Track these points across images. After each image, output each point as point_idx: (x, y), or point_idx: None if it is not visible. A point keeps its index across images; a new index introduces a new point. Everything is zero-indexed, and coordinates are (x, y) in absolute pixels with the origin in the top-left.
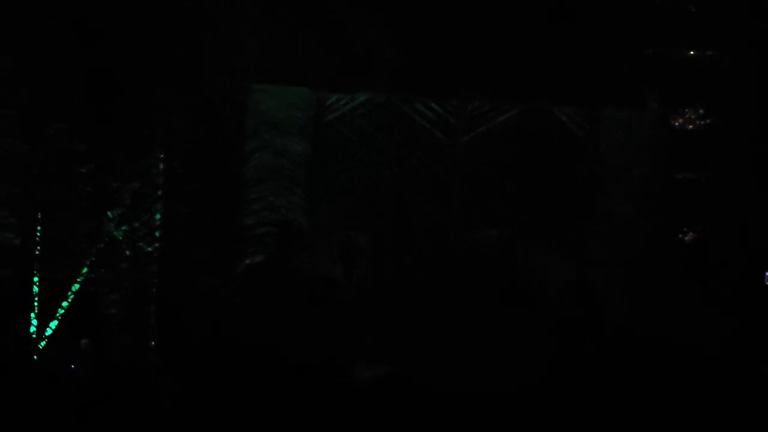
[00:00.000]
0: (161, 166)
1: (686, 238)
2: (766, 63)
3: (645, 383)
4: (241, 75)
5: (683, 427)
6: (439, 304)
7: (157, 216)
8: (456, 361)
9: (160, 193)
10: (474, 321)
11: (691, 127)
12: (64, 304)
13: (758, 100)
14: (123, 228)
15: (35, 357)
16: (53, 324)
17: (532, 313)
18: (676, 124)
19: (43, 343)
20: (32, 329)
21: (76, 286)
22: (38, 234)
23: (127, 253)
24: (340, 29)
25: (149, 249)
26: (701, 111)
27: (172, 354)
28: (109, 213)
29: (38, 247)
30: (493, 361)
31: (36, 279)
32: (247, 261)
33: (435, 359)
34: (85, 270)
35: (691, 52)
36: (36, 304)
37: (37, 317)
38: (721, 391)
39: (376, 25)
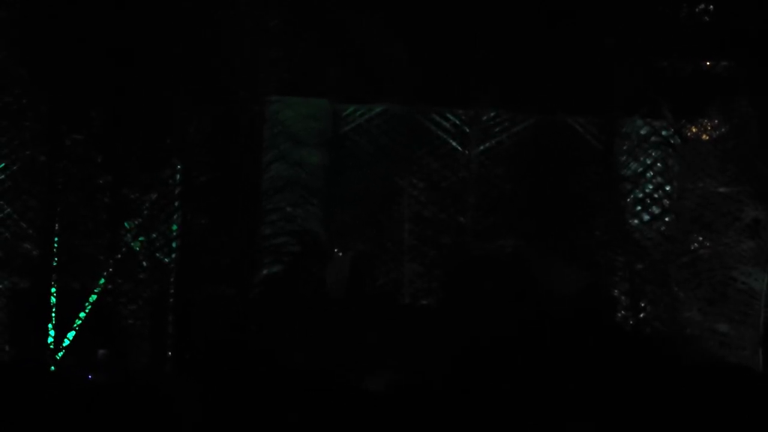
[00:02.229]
0: (179, 177)
1: (699, 248)
2: None
3: (652, 384)
4: (259, 86)
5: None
6: (453, 313)
7: (174, 227)
8: (464, 365)
9: (177, 203)
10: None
11: (705, 137)
12: (82, 314)
13: None
14: (140, 239)
15: (53, 367)
16: (71, 334)
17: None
18: (690, 134)
19: (60, 354)
20: (50, 339)
21: (93, 297)
22: (56, 245)
23: (145, 263)
24: (358, 42)
25: (166, 260)
26: (716, 121)
27: (190, 363)
28: (126, 224)
29: (56, 258)
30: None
31: (53, 290)
32: (265, 271)
33: (445, 365)
34: (102, 281)
35: (707, 63)
36: (53, 314)
37: (54, 328)
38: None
39: (393, 37)
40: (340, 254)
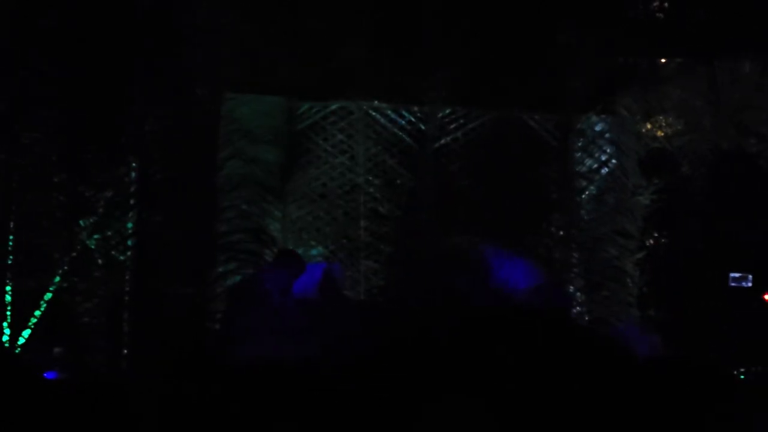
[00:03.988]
0: (134, 174)
1: (654, 243)
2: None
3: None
4: (215, 84)
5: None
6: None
7: (129, 225)
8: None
9: (133, 201)
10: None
11: (661, 134)
12: (37, 312)
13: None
14: (96, 237)
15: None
16: (26, 333)
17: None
18: (645, 130)
19: (16, 352)
20: (5, 338)
21: (48, 295)
22: (11, 243)
23: (100, 261)
24: (313, 39)
25: (122, 257)
26: (671, 117)
27: (146, 360)
28: (81, 222)
29: (11, 256)
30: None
31: (8, 288)
32: (221, 269)
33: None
34: (57, 279)
35: (662, 60)
36: (8, 313)
37: (9, 326)
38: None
39: (349, 34)
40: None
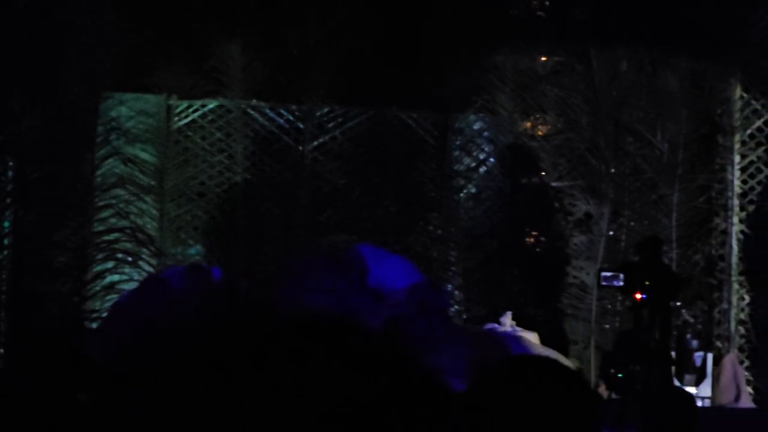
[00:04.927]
0: (11, 173)
1: (533, 243)
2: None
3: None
4: (93, 82)
5: None
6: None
7: (6, 223)
8: None
9: (9, 200)
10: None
11: (540, 131)
12: None
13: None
14: None
15: None
16: None
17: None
18: (524, 128)
19: None
20: None
21: None
22: None
23: None
24: (191, 37)
25: None
26: (551, 116)
27: (22, 359)
28: None
29: None
30: None
31: None
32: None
33: None
34: None
35: (542, 59)
36: None
37: None
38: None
39: (227, 33)
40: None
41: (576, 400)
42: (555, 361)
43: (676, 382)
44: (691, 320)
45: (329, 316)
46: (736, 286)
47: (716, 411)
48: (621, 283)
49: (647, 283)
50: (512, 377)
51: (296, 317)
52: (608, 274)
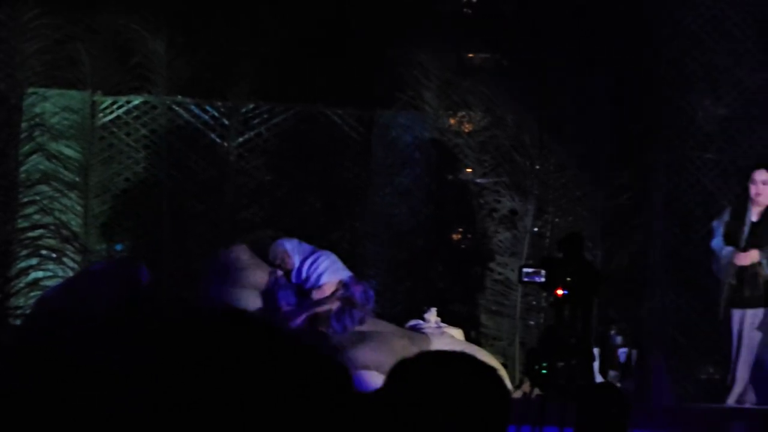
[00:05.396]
0: None
1: (458, 239)
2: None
3: None
4: (16, 78)
5: None
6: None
7: None
8: None
9: None
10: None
11: (466, 128)
12: None
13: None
14: None
15: None
16: None
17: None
18: (449, 125)
19: None
20: None
21: None
22: None
23: None
24: (116, 33)
25: None
26: (477, 112)
27: None
28: None
29: None
30: None
31: None
32: (22, 264)
33: None
34: None
35: (468, 55)
36: None
37: None
38: None
39: (151, 29)
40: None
41: (488, 396)
42: (471, 357)
43: (601, 379)
44: (616, 317)
45: (248, 314)
46: (660, 283)
47: (641, 407)
48: (542, 279)
49: (568, 279)
50: (426, 372)
51: (213, 314)
52: (529, 270)
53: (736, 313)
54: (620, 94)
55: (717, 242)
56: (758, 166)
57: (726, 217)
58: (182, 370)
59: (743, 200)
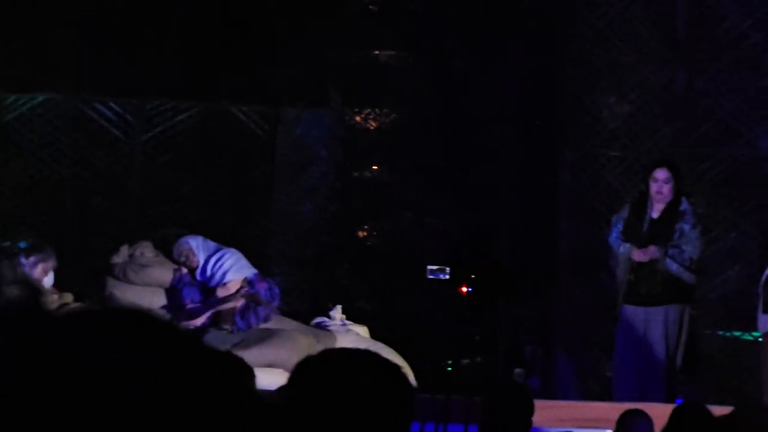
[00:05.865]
0: None
1: (366, 237)
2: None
3: None
4: None
5: None
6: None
7: None
8: None
9: None
10: None
11: (372, 125)
12: None
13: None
14: None
15: None
16: None
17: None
18: (355, 122)
19: None
20: None
21: None
22: None
23: None
24: (20, 29)
25: None
26: (383, 109)
27: None
28: None
29: None
30: None
31: None
32: None
33: None
34: None
35: (375, 52)
36: None
37: None
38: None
39: (56, 25)
40: None
41: (392, 393)
42: (375, 354)
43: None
44: (523, 314)
45: (146, 312)
46: (566, 280)
47: (546, 404)
48: (447, 277)
49: (473, 276)
50: (330, 369)
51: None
52: (434, 267)
53: (628, 309)
54: (526, 91)
55: (614, 238)
56: (659, 164)
57: (625, 213)
58: (72, 370)
59: (643, 197)
